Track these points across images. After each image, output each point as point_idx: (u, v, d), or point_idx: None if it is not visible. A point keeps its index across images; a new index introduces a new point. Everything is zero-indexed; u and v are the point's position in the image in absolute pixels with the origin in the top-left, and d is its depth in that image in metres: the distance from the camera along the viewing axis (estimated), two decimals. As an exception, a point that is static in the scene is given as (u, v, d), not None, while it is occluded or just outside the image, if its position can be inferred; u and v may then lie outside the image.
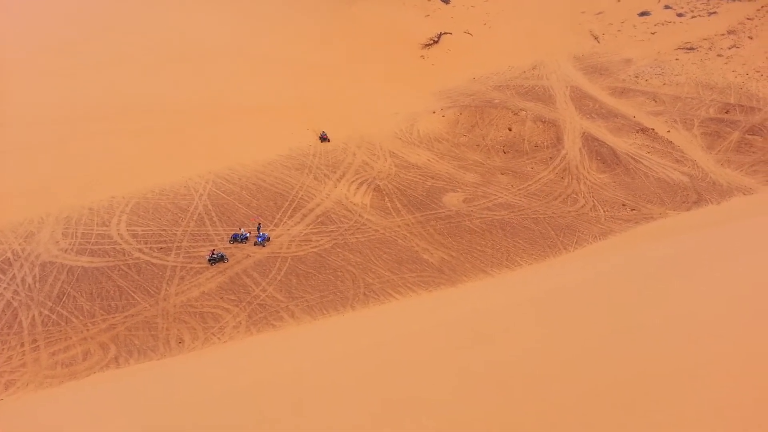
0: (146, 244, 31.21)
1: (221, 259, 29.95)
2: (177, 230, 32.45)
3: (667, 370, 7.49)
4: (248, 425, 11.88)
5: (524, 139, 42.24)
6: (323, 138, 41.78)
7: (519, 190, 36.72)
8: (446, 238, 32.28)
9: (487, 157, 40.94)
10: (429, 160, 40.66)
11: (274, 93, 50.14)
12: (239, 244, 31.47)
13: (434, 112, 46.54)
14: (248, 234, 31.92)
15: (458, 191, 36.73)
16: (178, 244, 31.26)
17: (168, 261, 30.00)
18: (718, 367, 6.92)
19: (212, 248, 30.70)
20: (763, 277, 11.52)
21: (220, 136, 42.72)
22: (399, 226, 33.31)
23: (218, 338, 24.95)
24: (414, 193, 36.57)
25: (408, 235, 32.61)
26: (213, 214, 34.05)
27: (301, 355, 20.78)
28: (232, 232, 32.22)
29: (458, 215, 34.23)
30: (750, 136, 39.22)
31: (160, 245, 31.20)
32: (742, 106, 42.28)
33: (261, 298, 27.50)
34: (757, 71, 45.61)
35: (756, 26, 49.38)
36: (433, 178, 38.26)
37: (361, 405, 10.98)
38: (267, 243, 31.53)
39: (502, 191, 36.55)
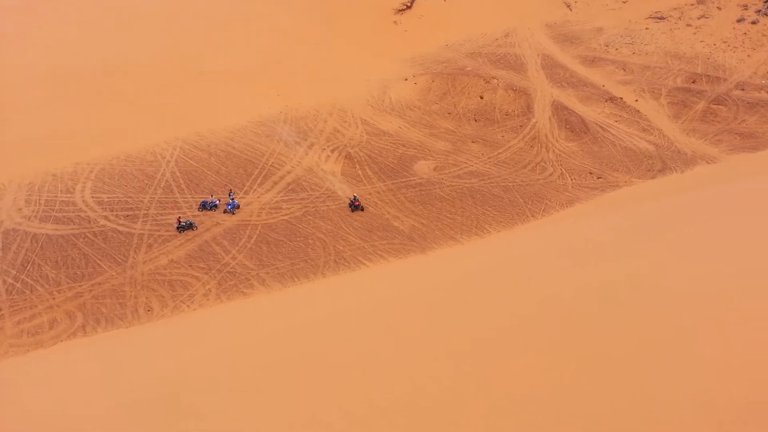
0: (112, 211, 30.67)
1: (190, 226, 29.64)
2: (144, 197, 31.93)
3: (638, 336, 7.71)
4: (220, 391, 11.95)
5: (495, 108, 42.32)
6: (355, 205, 31.44)
7: (489, 158, 36.95)
8: (417, 205, 32.44)
9: (459, 125, 40.98)
10: (400, 127, 40.53)
11: (243, 58, 49.06)
12: (208, 212, 31.15)
13: (406, 80, 46.21)
14: (218, 201, 31.59)
15: (429, 159, 36.79)
16: (145, 212, 30.80)
17: (135, 229, 29.57)
18: (689, 332, 7.15)
19: (179, 216, 30.32)
20: (725, 241, 11.88)
21: (187, 101, 41.80)
22: (370, 194, 33.31)
23: (188, 306, 24.86)
24: (385, 161, 36.51)
25: (379, 202, 32.66)
26: (181, 181, 33.54)
27: (273, 321, 20.86)
28: (201, 200, 31.83)
29: (429, 183, 34.37)
30: (715, 106, 39.97)
31: (126, 213, 30.69)
32: (709, 76, 42.95)
33: (231, 266, 27.39)
34: (724, 42, 46.22)
35: (724, -4, 49.88)
36: (404, 146, 38.20)
37: (333, 370, 11.12)
38: (237, 211, 31.27)
39: (472, 159, 36.74)
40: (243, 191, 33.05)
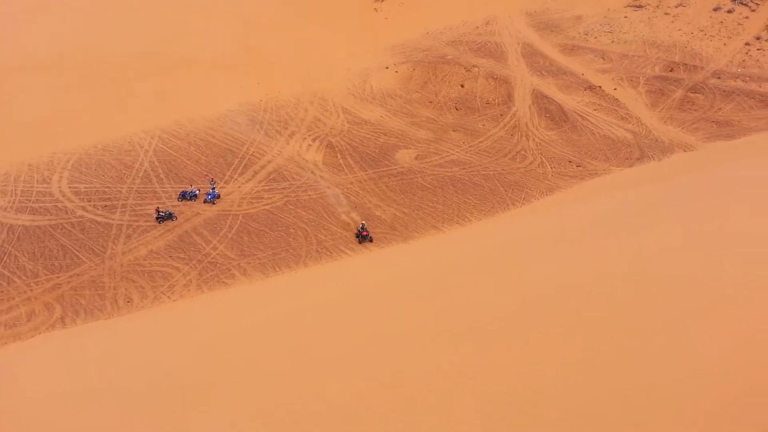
0: (90, 201, 30.28)
1: (169, 217, 29.38)
2: (122, 187, 31.55)
3: (611, 324, 7.84)
4: (201, 381, 11.94)
5: (476, 96, 42.41)
6: (362, 235, 28.80)
7: (470, 146, 37.08)
8: (398, 194, 32.50)
9: (440, 114, 41.02)
10: (382, 116, 40.45)
11: (223, 45, 48.47)
12: (188, 202, 30.88)
13: (387, 68, 46.06)
14: (197, 191, 31.33)
15: (410, 148, 36.82)
16: (124, 202, 30.46)
17: (113, 219, 29.25)
18: (684, 317, 7.27)
19: (158, 206, 30.02)
20: (701, 228, 12.07)
21: (165, 89, 41.26)
22: (351, 183, 33.28)
23: (168, 297, 24.72)
24: (367, 150, 36.46)
25: (360, 191, 32.65)
26: (160, 171, 33.19)
27: (255, 311, 20.86)
28: (181, 190, 31.54)
29: (410, 172, 34.42)
30: (692, 94, 40.48)
31: (104, 203, 30.32)
32: (686, 64, 43.44)
33: (212, 256, 27.24)
34: (701, 30, 46.73)
35: (702, -15, 50.32)
36: (385, 135, 38.16)
37: (314, 359, 11.16)
38: (217, 200, 31.05)
39: (453, 148, 36.84)
40: (223, 181, 32.81)
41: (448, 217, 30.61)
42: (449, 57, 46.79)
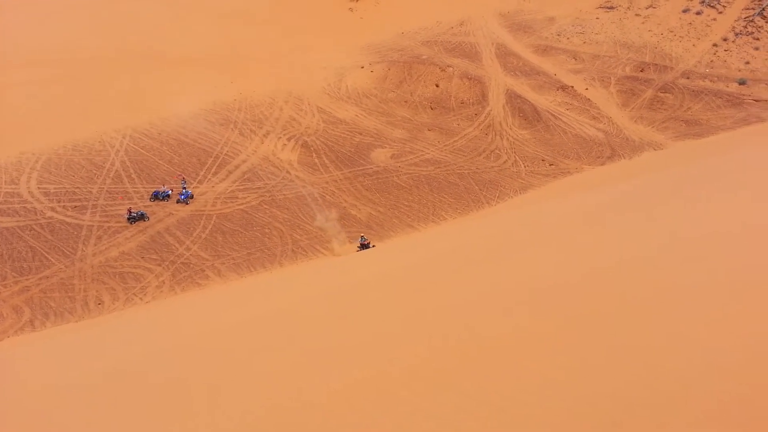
0: (59, 202, 29.70)
1: (141, 217, 28.98)
2: (92, 188, 31.02)
3: (575, 320, 7.91)
4: (174, 384, 11.79)
5: (451, 96, 42.65)
6: (364, 245, 28.43)
7: (445, 146, 37.28)
8: (374, 194, 32.53)
9: (415, 113, 41.15)
10: (357, 115, 40.43)
11: (196, 44, 47.95)
12: (161, 202, 30.49)
13: (362, 67, 46.04)
14: (170, 191, 30.94)
15: (386, 147, 36.87)
16: (94, 203, 29.94)
17: (83, 220, 28.74)
18: (637, 310, 7.35)
19: (129, 206, 29.58)
20: (671, 227, 12.24)
21: (137, 88, 40.68)
22: (327, 183, 33.21)
23: (140, 299, 24.37)
24: (342, 149, 36.41)
25: (336, 191, 32.60)
26: (131, 171, 32.71)
27: (229, 312, 20.67)
28: (153, 190, 31.12)
29: (386, 171, 34.47)
30: (662, 94, 41.24)
31: (74, 204, 29.77)
32: (656, 64, 44.25)
33: (185, 257, 26.93)
34: (671, 31, 47.65)
35: (671, -13, 51.30)
36: (361, 134, 38.16)
37: (289, 359, 11.11)
38: (190, 200, 30.71)
39: (429, 147, 37.00)
40: (197, 181, 32.46)
41: (423, 215, 30.74)
42: (424, 57, 46.97)
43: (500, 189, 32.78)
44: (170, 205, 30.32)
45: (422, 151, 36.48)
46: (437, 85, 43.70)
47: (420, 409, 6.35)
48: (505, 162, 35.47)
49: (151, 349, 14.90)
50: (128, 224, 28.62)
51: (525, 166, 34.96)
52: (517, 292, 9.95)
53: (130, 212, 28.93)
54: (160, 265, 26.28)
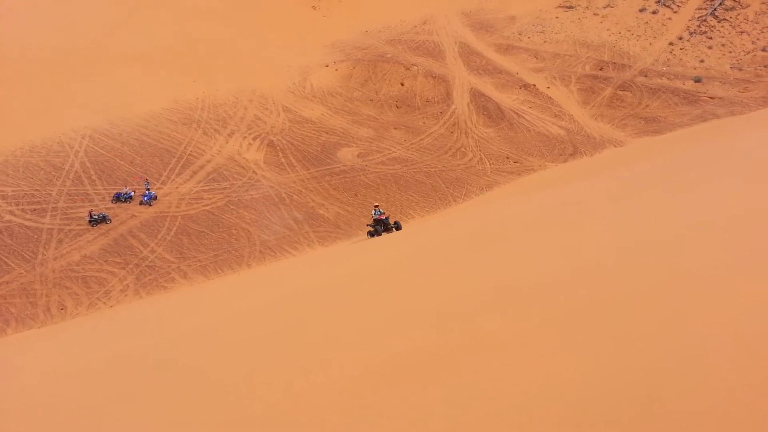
0: (17, 205, 28.77)
1: (103, 220, 28.30)
2: (52, 190, 30.15)
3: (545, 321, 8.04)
4: (140, 389, 11.59)
5: (416, 94, 42.89)
6: (384, 224, 25.74)
7: (411, 144, 37.49)
8: (341, 193, 32.51)
9: (381, 112, 41.25)
10: (323, 114, 40.31)
11: (158, 42, 46.98)
12: (123, 204, 29.83)
13: (327, 66, 45.90)
14: (132, 193, 30.31)
15: (352, 146, 36.88)
16: (54, 205, 29.12)
17: (43, 223, 27.92)
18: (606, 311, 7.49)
19: (91, 209, 28.85)
20: (636, 221, 12.53)
21: (96, 87, 39.66)
22: (294, 182, 33.03)
23: (104, 303, 23.83)
24: (308, 149, 36.25)
25: (303, 190, 32.46)
26: (92, 172, 31.90)
27: (195, 315, 20.37)
28: (115, 191, 30.42)
29: (353, 170, 34.49)
30: (621, 92, 42.30)
31: (33, 207, 28.89)
32: (615, 63, 45.34)
33: (150, 259, 26.43)
34: (629, 30, 48.86)
35: (627, -13, 52.62)
36: (327, 133, 38.06)
37: (256, 362, 11.04)
38: (154, 202, 30.13)
39: (395, 146, 37.15)
40: (160, 182, 31.87)
41: (391, 214, 30.84)
42: (389, 55, 47.10)
43: (466, 187, 33.15)
44: (133, 207, 29.70)
45: (389, 150, 36.61)
46: (402, 84, 43.89)
47: (386, 407, 6.40)
48: (470, 160, 35.89)
49: (94, 368, 14.59)
50: (90, 227, 27.93)
51: (490, 164, 35.44)
52: (503, 288, 10.08)
53: (92, 215, 28.23)
54: (123, 268, 25.73)
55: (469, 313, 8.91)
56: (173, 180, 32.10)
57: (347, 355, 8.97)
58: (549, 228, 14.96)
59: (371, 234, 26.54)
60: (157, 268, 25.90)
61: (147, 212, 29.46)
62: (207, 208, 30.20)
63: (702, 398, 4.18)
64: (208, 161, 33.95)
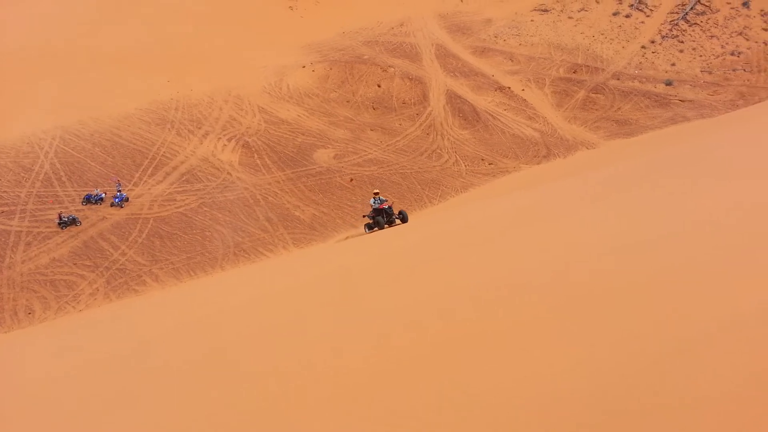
0: (-17, 208, 28.18)
1: (73, 222, 27.83)
2: (20, 192, 29.56)
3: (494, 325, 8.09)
4: (109, 394, 11.43)
5: (393, 96, 42.95)
6: (386, 213, 22.95)
7: (388, 146, 37.53)
8: (317, 194, 32.41)
9: (357, 113, 41.23)
10: (299, 115, 40.15)
11: (132, 41, 46.39)
12: (93, 206, 29.36)
13: (304, 67, 45.74)
14: (103, 195, 29.86)
15: (329, 147, 36.79)
16: (23, 207, 28.56)
17: (11, 226, 27.37)
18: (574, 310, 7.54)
19: (60, 211, 28.36)
20: (618, 220, 12.63)
21: (66, 87, 39.00)
22: (269, 184, 32.84)
23: (73, 307, 23.42)
24: (284, 150, 36.08)
25: (279, 192, 32.29)
26: (62, 174, 31.37)
27: (167, 319, 20.13)
28: (85, 193, 29.94)
29: (329, 171, 34.41)
30: (594, 95, 42.85)
31: (1, 209, 28.30)
32: (588, 66, 45.92)
33: (120, 262, 26.06)
34: (602, 33, 49.52)
35: (602, -9, 53.34)
36: (303, 135, 37.92)
37: (229, 365, 10.95)
38: (125, 204, 29.72)
39: (371, 147, 37.16)
40: (132, 183, 31.44)
41: (395, 201, 30.85)
42: (366, 57, 47.10)
43: (442, 188, 33.29)
44: (104, 209, 29.26)
45: (365, 151, 36.61)
46: (379, 86, 43.93)
47: (399, 401, 6.36)
48: (446, 161, 36.04)
49: (65, 372, 14.37)
50: (59, 229, 27.45)
51: (466, 166, 35.63)
52: (491, 286, 10.10)
53: (61, 217, 27.75)
54: (93, 271, 25.33)
55: (462, 309, 8.90)
56: (145, 181, 31.70)
57: (306, 368, 8.91)
58: (532, 225, 15.08)
59: (369, 227, 23.73)
60: (128, 271, 25.55)
61: (118, 214, 29.04)
62: (180, 209, 29.87)
63: (697, 390, 4.18)
64: (182, 162, 33.59)
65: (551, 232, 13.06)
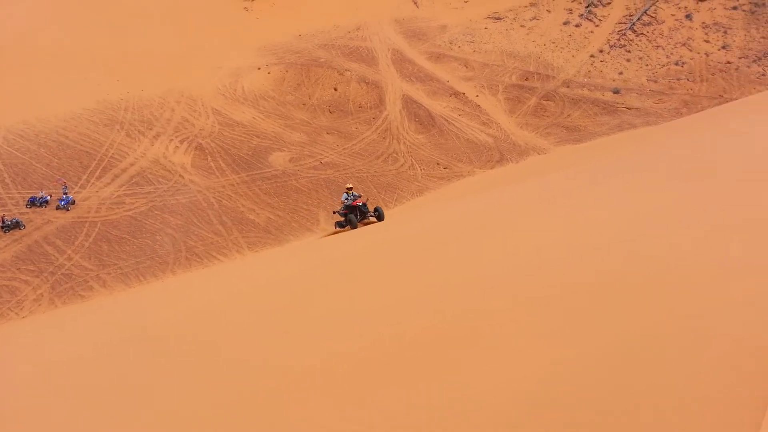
0: None
1: (16, 225, 26.75)
2: (-42, 194, 28.24)
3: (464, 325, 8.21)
4: (63, 404, 11.05)
5: (349, 100, 42.98)
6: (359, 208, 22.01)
7: (344, 149, 37.52)
8: (273, 197, 32.11)
9: (314, 117, 41.07)
10: (254, 118, 39.71)
11: (80, 39, 44.96)
12: (38, 209, 28.30)
13: (259, 69, 45.29)
14: (49, 197, 28.82)
15: (284, 150, 36.52)
16: (-39, 211, 27.28)
17: (-53, 230, 26.09)
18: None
19: (3, 214, 27.23)
20: (560, 222, 12.94)
21: (12, 85, 37.50)
22: (224, 187, 32.34)
23: (16, 313, 22.50)
24: (239, 153, 35.61)
25: (233, 195, 31.83)
26: (5, 176, 30.12)
27: (114, 326, 19.57)
28: (30, 195, 28.81)
29: (285, 175, 34.14)
30: (545, 102, 43.91)
31: (-64, 212, 26.98)
32: (540, 74, 47.03)
33: (66, 267, 25.18)
34: (553, 42, 50.80)
35: (553, 0, 54.72)
36: (258, 137, 37.52)
37: (180, 371, 10.74)
38: (72, 207, 28.75)
39: (328, 150, 37.07)
40: (79, 185, 30.46)
41: (324, 219, 30.74)
42: (322, 60, 46.99)
43: (398, 192, 33.48)
44: (49, 212, 28.23)
45: (321, 155, 36.50)
46: (335, 89, 43.88)
47: (383, 399, 6.33)
48: (402, 165, 36.29)
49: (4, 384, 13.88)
50: (2, 233, 26.33)
51: (421, 170, 35.96)
52: (413, 301, 10.18)
53: (4, 220, 26.64)
54: (38, 276, 24.40)
55: (420, 314, 8.95)
56: (93, 184, 30.75)
57: (259, 374, 8.84)
58: (488, 228, 15.33)
59: (341, 225, 22.96)
60: (74, 277, 24.71)
61: (64, 217, 28.07)
62: (129, 213, 29.09)
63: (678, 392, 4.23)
64: (132, 164, 32.74)
65: (508, 235, 13.32)
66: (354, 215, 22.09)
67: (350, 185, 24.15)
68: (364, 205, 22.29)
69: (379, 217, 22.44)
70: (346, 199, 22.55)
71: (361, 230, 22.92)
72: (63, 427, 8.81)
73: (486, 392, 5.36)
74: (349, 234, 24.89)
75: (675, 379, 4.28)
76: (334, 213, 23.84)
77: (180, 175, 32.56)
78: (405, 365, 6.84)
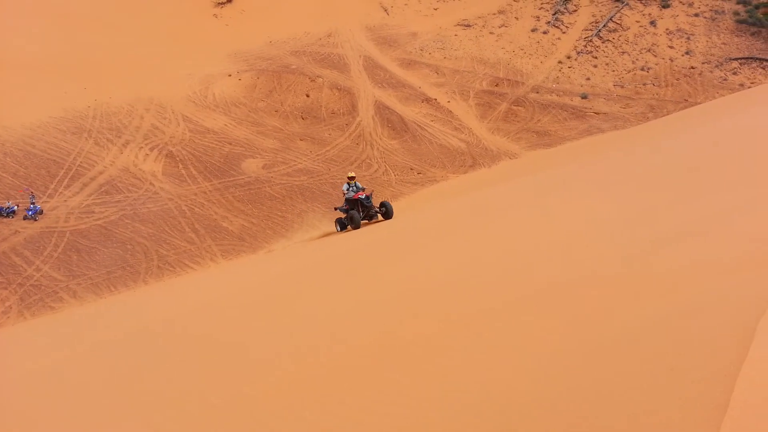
0: None
1: (-19, 237, 26.03)
2: None
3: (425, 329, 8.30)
4: (28, 418, 10.81)
5: (322, 106, 42.97)
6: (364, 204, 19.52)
7: (317, 155, 37.47)
8: (246, 205, 31.86)
9: (286, 123, 40.94)
10: (226, 125, 39.40)
11: (45, 46, 44.06)
12: (5, 219, 27.58)
13: (230, 75, 44.98)
14: (16, 207, 28.12)
15: (257, 157, 36.30)
16: None
17: None
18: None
19: (-32, 225, 26.51)
20: (535, 225, 13.20)
21: (-28, 94, 36.53)
22: (195, 194, 31.98)
23: (-18, 327, 21.86)
24: (211, 160, 35.27)
25: (205, 203, 31.50)
26: (-32, 186, 29.29)
27: (86, 336, 19.18)
28: (-5, 206, 28.11)
29: (258, 181, 33.92)
30: (515, 107, 44.56)
31: None
32: (509, 80, 47.72)
33: (35, 278, 24.58)
34: (522, 49, 51.62)
35: (521, 8, 55.57)
36: (230, 144, 37.23)
37: (149, 382, 10.62)
38: (39, 216, 28.09)
39: (301, 157, 36.98)
40: (47, 195, 29.79)
41: (297, 225, 30.62)
42: (294, 67, 46.91)
43: (373, 198, 33.48)
44: (16, 222, 27.54)
45: (294, 161, 36.38)
46: (308, 95, 43.82)
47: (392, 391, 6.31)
48: (376, 171, 36.39)
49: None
50: (-36, 245, 25.59)
51: (395, 175, 36.12)
52: (386, 303, 10.26)
53: (-33, 232, 25.90)
54: (6, 288, 23.75)
55: (400, 313, 9.00)
56: (61, 193, 30.11)
57: (232, 383, 8.80)
58: (464, 230, 15.49)
59: (341, 224, 20.46)
60: (43, 288, 24.13)
61: (32, 227, 27.41)
62: (99, 222, 28.55)
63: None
64: (101, 173, 32.16)
65: (484, 236, 13.49)
66: (356, 211, 19.64)
67: (352, 174, 21.08)
68: (368, 198, 19.79)
69: (387, 213, 20.04)
70: (348, 190, 20.01)
71: (355, 233, 21.60)
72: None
73: (486, 392, 5.43)
74: (331, 239, 24.86)
75: (670, 375, 4.35)
76: (335, 209, 21.17)
77: (151, 183, 32.10)
78: (405, 365, 6.90)
